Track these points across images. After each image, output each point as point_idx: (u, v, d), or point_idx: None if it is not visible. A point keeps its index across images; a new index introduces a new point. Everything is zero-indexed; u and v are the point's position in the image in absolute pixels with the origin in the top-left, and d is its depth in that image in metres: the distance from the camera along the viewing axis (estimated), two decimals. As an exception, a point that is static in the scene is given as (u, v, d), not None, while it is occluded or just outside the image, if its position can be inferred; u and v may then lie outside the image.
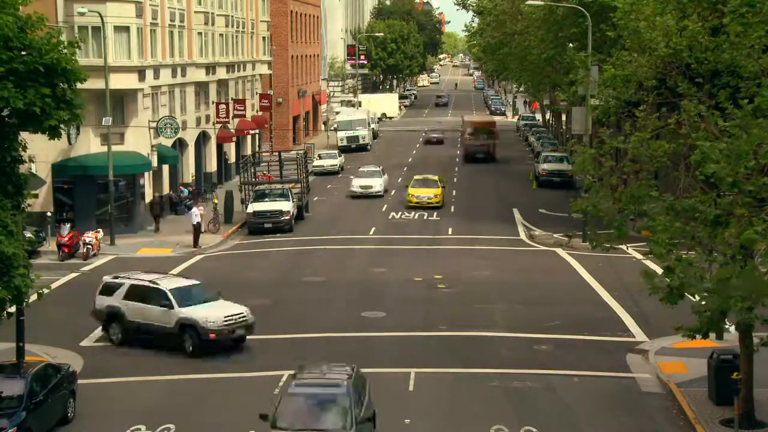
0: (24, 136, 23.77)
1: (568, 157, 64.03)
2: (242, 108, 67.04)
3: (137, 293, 30.61)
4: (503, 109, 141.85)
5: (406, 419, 24.06)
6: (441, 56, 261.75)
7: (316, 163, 75.31)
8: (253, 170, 58.48)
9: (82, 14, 45.67)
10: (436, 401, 25.48)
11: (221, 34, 66.19)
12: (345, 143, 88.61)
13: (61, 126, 23.11)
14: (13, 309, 24.55)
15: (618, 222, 24.72)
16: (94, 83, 42.65)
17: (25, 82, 22.04)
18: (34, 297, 24.96)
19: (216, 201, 54.06)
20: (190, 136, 60.42)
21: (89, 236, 44.55)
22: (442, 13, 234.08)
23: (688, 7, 34.81)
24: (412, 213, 56.40)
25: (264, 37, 79.79)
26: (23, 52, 22.11)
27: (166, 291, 30.01)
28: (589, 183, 27.56)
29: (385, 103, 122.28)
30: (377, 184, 63.55)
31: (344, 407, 20.37)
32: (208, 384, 27.08)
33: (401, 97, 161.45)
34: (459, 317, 33.59)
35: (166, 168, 55.26)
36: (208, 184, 63.31)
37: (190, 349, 29.17)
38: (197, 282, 31.81)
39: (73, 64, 22.74)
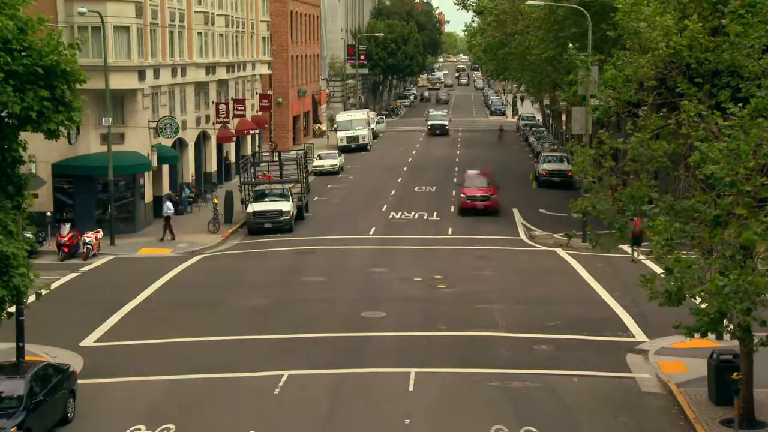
0: (24, 136, 23.75)
1: (568, 157, 64.10)
2: (242, 108, 67.03)
3: None
4: (503, 109, 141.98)
5: (406, 419, 24.06)
6: (440, 59, 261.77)
7: (316, 163, 75.34)
8: (253, 170, 58.50)
9: (82, 14, 45.67)
10: (436, 401, 25.47)
11: (221, 34, 66.19)
12: (345, 143, 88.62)
13: (60, 129, 23.08)
14: (13, 309, 24.55)
15: (619, 223, 24.77)
16: (94, 83, 42.63)
17: (24, 84, 22.01)
18: (33, 297, 24.96)
19: (216, 201, 54.09)
20: (190, 136, 60.43)
21: (89, 236, 44.57)
22: (442, 13, 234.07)
23: (689, 7, 34.80)
24: (412, 213, 56.42)
25: (264, 37, 79.77)
26: (23, 54, 22.06)
27: None
28: (589, 184, 27.59)
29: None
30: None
31: None
32: (208, 384, 27.08)
33: (400, 97, 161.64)
34: (459, 317, 33.58)
35: (166, 168, 55.26)
36: (209, 185, 63.32)
37: None
38: None
39: (72, 66, 22.68)
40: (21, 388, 22.45)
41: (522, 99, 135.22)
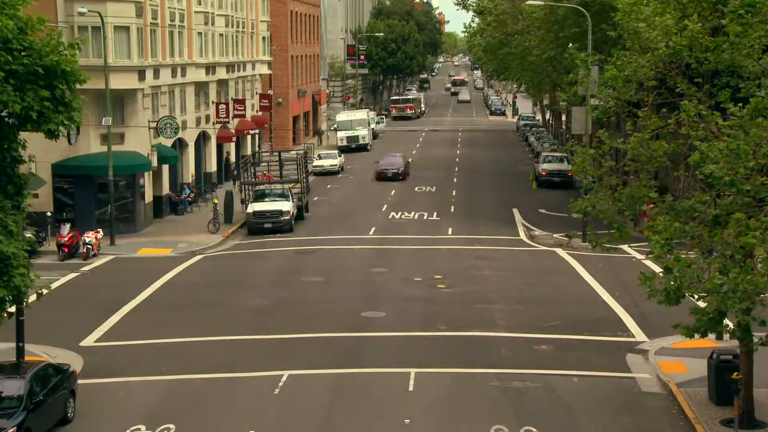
0: (24, 136, 23.75)
1: (568, 157, 64.14)
2: (242, 108, 67.04)
3: None
4: (503, 109, 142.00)
5: (406, 419, 24.06)
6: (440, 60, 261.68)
7: (316, 163, 75.36)
8: (253, 170, 58.51)
9: (82, 14, 45.67)
10: (436, 401, 25.47)
11: (221, 34, 66.18)
12: (345, 143, 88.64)
13: (60, 129, 23.08)
14: (13, 309, 24.54)
15: (618, 223, 24.78)
16: (94, 83, 42.63)
17: (24, 84, 22.00)
18: (33, 297, 24.96)
19: (216, 201, 54.08)
20: (190, 136, 60.42)
21: (89, 236, 44.57)
22: (442, 13, 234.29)
23: (688, 7, 34.83)
24: (412, 213, 56.44)
25: (264, 37, 79.77)
26: (23, 53, 22.06)
27: None
28: (589, 184, 27.60)
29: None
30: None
31: None
32: (208, 384, 27.08)
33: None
34: (459, 317, 33.58)
35: (166, 168, 55.27)
36: (209, 185, 63.31)
37: None
38: None
39: (72, 66, 22.68)
40: (21, 388, 22.43)
41: (536, 104, 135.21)
